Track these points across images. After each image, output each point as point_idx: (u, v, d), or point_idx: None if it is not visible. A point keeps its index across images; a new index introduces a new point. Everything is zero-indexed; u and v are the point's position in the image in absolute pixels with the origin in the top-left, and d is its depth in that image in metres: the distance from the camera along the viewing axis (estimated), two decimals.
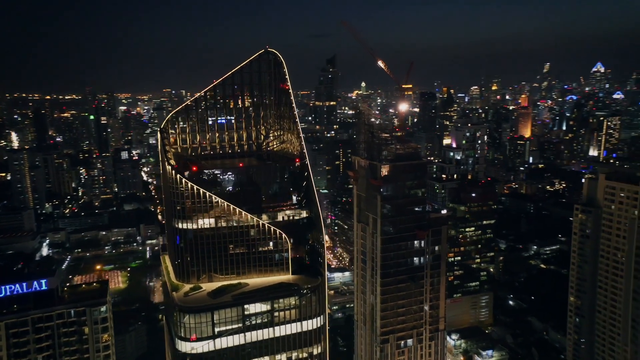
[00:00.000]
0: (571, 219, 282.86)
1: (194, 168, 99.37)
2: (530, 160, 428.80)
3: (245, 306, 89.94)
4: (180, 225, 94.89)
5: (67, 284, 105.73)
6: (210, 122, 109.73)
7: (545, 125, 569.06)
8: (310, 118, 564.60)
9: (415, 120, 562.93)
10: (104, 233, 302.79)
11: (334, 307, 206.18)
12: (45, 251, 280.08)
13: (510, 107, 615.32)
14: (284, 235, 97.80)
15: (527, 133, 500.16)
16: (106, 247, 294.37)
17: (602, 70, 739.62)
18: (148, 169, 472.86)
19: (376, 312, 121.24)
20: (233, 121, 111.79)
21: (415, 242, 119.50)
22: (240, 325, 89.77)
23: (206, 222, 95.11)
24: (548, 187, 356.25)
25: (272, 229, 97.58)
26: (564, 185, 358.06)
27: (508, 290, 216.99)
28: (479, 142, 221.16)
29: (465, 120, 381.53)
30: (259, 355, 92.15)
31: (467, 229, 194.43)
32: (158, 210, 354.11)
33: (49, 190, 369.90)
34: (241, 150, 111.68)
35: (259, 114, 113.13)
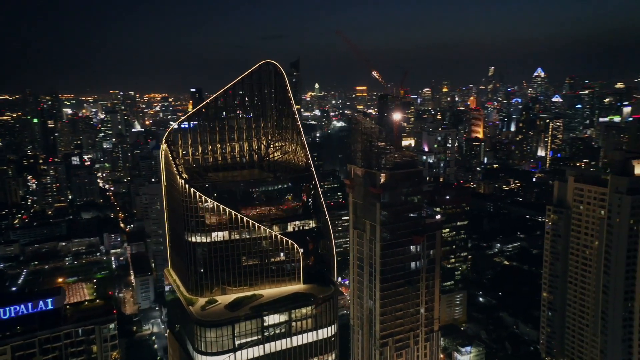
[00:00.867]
0: (528, 217, 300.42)
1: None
2: (485, 161, 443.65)
3: (264, 317, 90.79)
4: (194, 239, 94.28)
5: (66, 303, 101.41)
6: (214, 134, 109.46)
7: (495, 127, 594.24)
8: None
9: (374, 122, 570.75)
10: (63, 244, 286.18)
11: None
12: None
13: (461, 109, 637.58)
14: (295, 245, 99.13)
15: (480, 134, 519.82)
16: (67, 259, 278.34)
17: (542, 75, 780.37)
18: (104, 174, 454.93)
19: (375, 317, 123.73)
20: (236, 133, 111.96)
21: (412, 246, 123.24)
22: (259, 336, 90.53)
23: (219, 235, 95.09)
24: (504, 186, 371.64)
25: (283, 239, 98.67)
26: (518, 184, 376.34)
27: (477, 288, 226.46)
28: (449, 145, 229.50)
29: (436, 124, 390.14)
30: None
31: (443, 231, 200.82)
32: (119, 218, 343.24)
33: None
34: (245, 161, 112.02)
35: (260, 126, 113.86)
